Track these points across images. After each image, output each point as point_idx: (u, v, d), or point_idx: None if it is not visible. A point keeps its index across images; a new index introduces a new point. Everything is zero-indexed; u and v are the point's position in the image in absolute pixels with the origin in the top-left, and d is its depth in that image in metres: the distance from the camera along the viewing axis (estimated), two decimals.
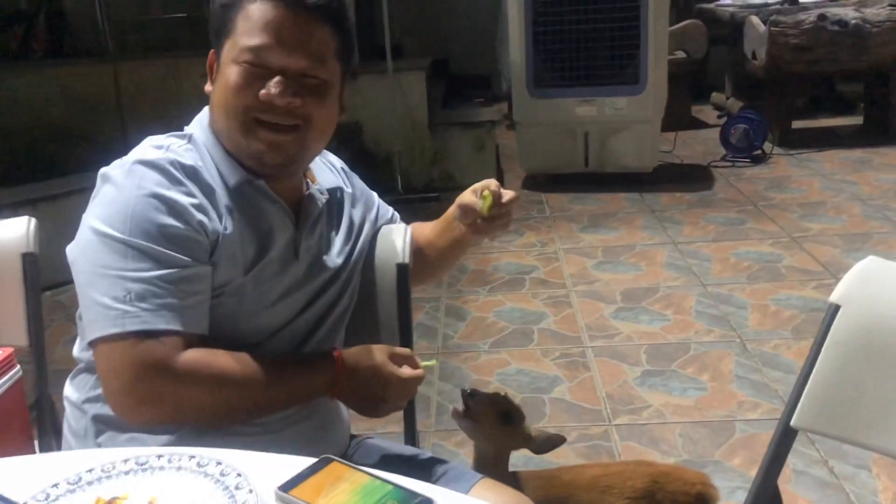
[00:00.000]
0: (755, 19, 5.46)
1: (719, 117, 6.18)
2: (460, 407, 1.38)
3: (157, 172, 1.07)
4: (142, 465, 0.91)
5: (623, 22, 4.49)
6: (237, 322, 1.12)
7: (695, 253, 3.74)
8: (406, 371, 1.13)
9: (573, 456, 2.27)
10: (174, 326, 1.03)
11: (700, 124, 6.27)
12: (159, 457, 0.91)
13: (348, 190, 1.34)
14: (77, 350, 1.18)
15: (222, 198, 1.12)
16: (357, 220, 1.34)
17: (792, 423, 1.12)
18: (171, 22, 5.42)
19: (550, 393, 2.62)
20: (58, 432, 1.42)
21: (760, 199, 4.44)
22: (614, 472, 1.51)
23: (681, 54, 5.99)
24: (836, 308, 1.11)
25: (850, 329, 1.10)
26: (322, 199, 1.24)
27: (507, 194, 1.30)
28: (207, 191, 1.10)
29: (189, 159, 1.11)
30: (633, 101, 4.61)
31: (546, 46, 4.60)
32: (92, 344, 1.05)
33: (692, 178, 4.97)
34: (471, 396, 1.37)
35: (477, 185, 1.31)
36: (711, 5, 6.31)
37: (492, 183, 1.30)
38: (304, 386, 1.12)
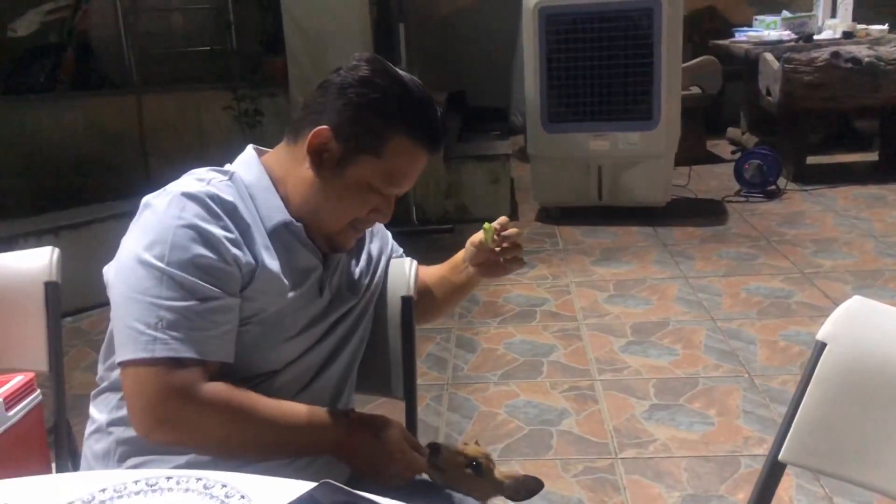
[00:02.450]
0: (769, 56, 5.51)
1: (733, 153, 6.21)
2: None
3: (197, 205, 1.12)
4: (151, 486, 0.96)
5: (637, 58, 4.56)
6: (260, 350, 1.18)
7: (706, 287, 3.76)
8: (414, 455, 1.20)
9: (578, 488, 2.30)
10: (200, 356, 1.09)
11: (715, 159, 6.31)
12: (168, 478, 0.96)
13: (374, 235, 1.42)
14: (102, 369, 1.23)
15: (258, 235, 1.18)
16: (375, 254, 1.40)
17: (780, 457, 1.16)
18: (195, 55, 5.55)
19: (558, 425, 2.65)
20: (73, 455, 1.48)
21: (773, 235, 4.47)
22: None
23: (696, 90, 6.04)
24: (823, 346, 1.15)
25: (836, 366, 1.14)
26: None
27: (508, 228, 1.35)
28: (243, 227, 1.16)
29: (228, 195, 1.17)
30: (647, 136, 4.67)
31: (560, 81, 4.68)
32: (121, 364, 1.11)
33: (706, 212, 5.01)
34: (435, 452, 1.30)
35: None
36: (726, 42, 6.37)
37: (501, 219, 1.36)
38: (314, 438, 1.16)
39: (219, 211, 1.14)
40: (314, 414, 1.17)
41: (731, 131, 6.75)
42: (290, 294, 1.19)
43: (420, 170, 1.23)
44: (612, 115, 4.69)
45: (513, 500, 1.39)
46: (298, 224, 1.21)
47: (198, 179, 1.18)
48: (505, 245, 1.36)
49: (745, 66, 6.07)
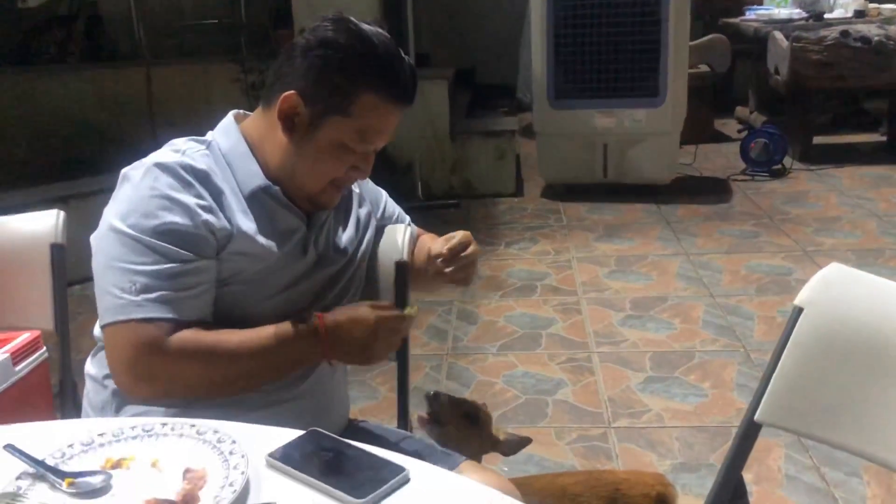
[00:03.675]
0: (778, 35, 5.49)
1: (740, 131, 6.20)
2: (424, 414, 1.41)
3: (168, 175, 1.17)
4: (147, 431, 1.01)
5: (644, 35, 4.56)
6: (242, 307, 1.22)
7: (707, 264, 3.79)
8: (389, 313, 1.19)
9: (571, 455, 2.35)
10: (175, 315, 1.13)
11: (722, 138, 6.30)
12: (163, 424, 1.01)
13: (356, 190, 1.42)
14: (96, 330, 1.28)
15: (234, 200, 1.21)
16: (363, 217, 1.42)
17: (756, 417, 1.19)
18: (204, 28, 5.57)
19: (554, 395, 2.69)
20: (79, 409, 1.53)
21: (777, 213, 4.48)
22: (580, 480, 1.57)
23: (704, 68, 6.03)
24: (800, 311, 1.18)
25: (812, 331, 1.17)
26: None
27: (455, 243, 1.30)
28: (216, 193, 1.20)
29: (202, 164, 1.20)
30: (653, 113, 4.68)
31: (567, 58, 4.68)
32: (102, 328, 1.18)
33: (710, 190, 5.02)
34: (434, 398, 1.39)
35: (449, 236, 1.34)
36: (736, 20, 6.34)
37: (459, 234, 1.32)
38: (291, 351, 1.18)
39: (190, 179, 1.18)
40: (281, 329, 1.18)
41: (740, 110, 6.73)
42: (273, 253, 1.22)
43: (393, 124, 1.24)
44: (618, 92, 4.69)
45: (505, 454, 1.45)
46: (276, 187, 1.23)
47: (174, 150, 1.22)
48: (452, 267, 1.30)
49: (754, 45, 6.04)
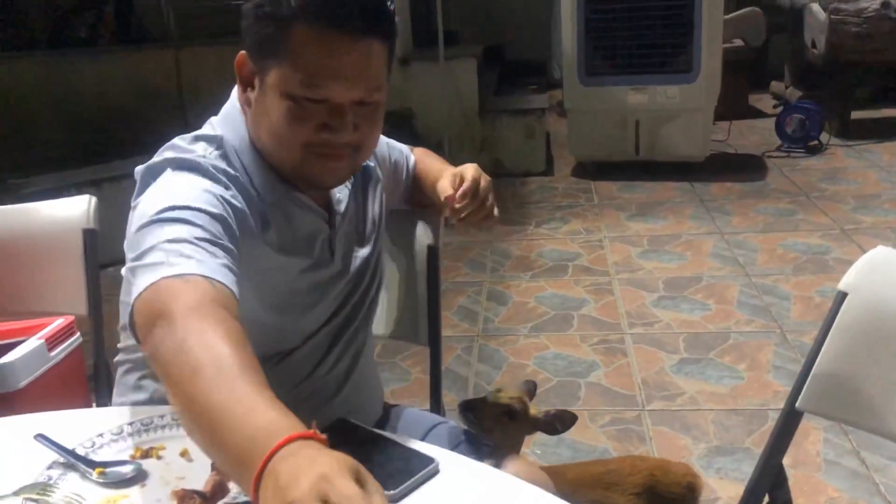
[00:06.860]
0: (816, 7, 5.35)
1: (775, 107, 6.08)
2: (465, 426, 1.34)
3: (198, 174, 1.03)
4: (177, 420, 1.00)
5: (676, 9, 4.47)
6: (280, 330, 1.13)
7: (742, 243, 3.73)
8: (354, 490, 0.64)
9: (605, 439, 2.32)
10: (204, 273, 0.89)
11: (757, 114, 6.18)
12: None
13: (376, 174, 1.30)
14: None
15: (258, 206, 1.08)
16: (378, 207, 1.30)
17: (797, 405, 1.16)
18: (233, 10, 5.55)
19: (587, 377, 2.67)
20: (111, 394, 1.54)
21: (813, 191, 4.39)
22: (614, 468, 1.54)
23: (739, 42, 5.90)
24: (844, 295, 1.14)
25: (856, 316, 1.13)
26: (346, 191, 1.21)
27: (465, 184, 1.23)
28: (245, 196, 1.07)
29: (227, 168, 1.07)
30: (686, 89, 4.59)
31: (598, 34, 4.61)
32: (131, 313, 0.90)
33: (745, 167, 4.93)
34: (469, 410, 1.31)
35: (456, 170, 1.27)
36: None
37: (468, 171, 1.25)
38: (244, 425, 0.72)
39: (223, 178, 1.05)
40: (272, 407, 0.74)
41: (775, 85, 6.59)
42: (302, 266, 1.12)
43: (339, 58, 1.01)
44: (650, 68, 4.61)
45: (550, 434, 1.41)
46: (296, 192, 1.12)
47: (190, 149, 1.08)
48: (465, 212, 1.22)
49: (790, 18, 5.90)
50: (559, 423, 1.35)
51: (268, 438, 0.68)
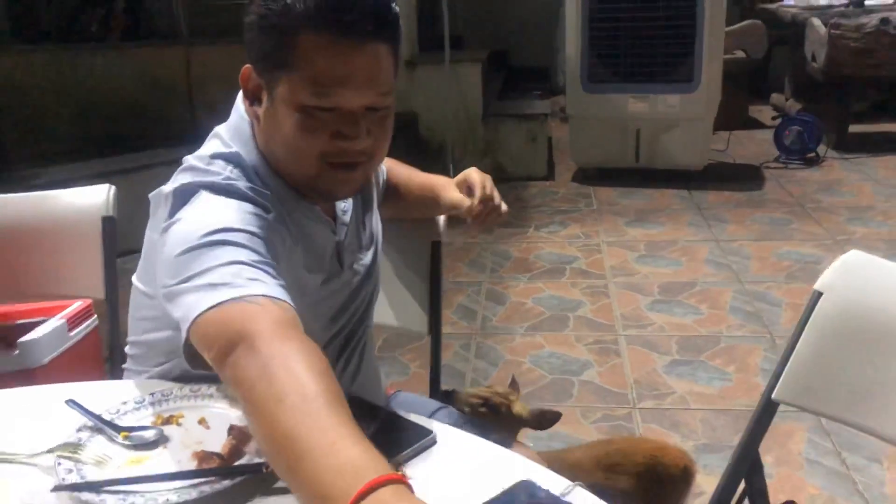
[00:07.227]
0: (816, 21, 5.44)
1: (774, 118, 6.16)
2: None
3: (237, 198, 1.02)
4: (195, 392, 1.08)
5: (678, 20, 4.56)
6: None
7: (736, 251, 3.80)
8: None
9: (596, 434, 2.40)
10: (264, 292, 0.90)
11: (757, 125, 6.26)
12: (209, 386, 1.08)
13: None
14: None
15: (285, 223, 1.08)
16: (375, 214, 1.33)
17: (773, 395, 1.24)
18: (242, 7, 5.62)
19: (580, 375, 2.74)
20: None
21: (809, 202, 4.47)
22: (616, 450, 1.58)
23: (740, 54, 5.99)
24: (819, 294, 1.22)
25: (830, 314, 1.21)
26: (350, 200, 1.22)
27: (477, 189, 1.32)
28: (275, 215, 1.06)
29: (257, 187, 1.06)
30: (686, 98, 4.67)
31: (601, 42, 4.70)
32: (189, 329, 0.90)
33: (743, 177, 5.01)
34: (448, 396, 1.37)
35: (459, 179, 1.35)
36: (774, 6, 6.28)
37: (473, 176, 1.35)
38: (329, 457, 0.72)
39: (259, 202, 1.04)
40: (361, 461, 0.72)
41: (775, 97, 6.68)
42: (318, 282, 1.14)
43: (348, 63, 1.00)
44: (652, 77, 4.70)
45: (536, 430, 1.47)
46: (308, 202, 1.12)
47: (211, 172, 1.06)
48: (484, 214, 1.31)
49: (791, 31, 5.99)
50: (543, 420, 1.40)
51: (355, 475, 0.68)
